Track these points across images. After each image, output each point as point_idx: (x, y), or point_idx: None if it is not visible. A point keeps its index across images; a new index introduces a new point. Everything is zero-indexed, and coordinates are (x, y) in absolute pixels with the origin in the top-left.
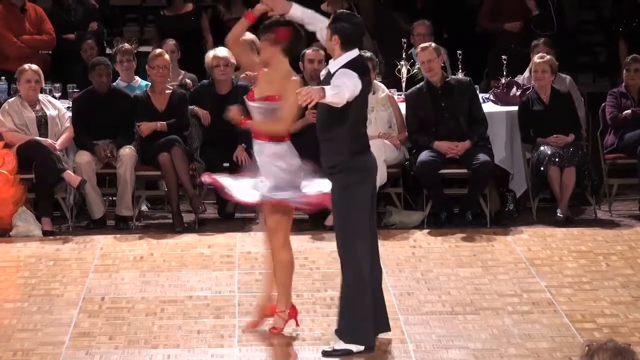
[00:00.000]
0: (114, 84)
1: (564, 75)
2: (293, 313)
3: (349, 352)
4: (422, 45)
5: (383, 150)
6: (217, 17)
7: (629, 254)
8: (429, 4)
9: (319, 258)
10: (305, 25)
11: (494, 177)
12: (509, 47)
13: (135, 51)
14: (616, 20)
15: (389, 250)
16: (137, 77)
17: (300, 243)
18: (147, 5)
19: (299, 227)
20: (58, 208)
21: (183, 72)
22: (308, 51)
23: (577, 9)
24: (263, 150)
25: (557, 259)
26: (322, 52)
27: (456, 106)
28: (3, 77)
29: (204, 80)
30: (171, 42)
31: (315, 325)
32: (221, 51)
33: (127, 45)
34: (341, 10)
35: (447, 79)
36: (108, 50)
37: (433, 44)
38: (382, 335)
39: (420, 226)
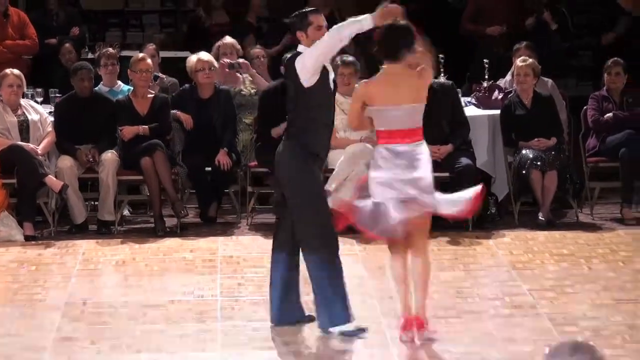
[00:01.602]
0: (96, 88)
1: (545, 79)
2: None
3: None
4: None
5: (366, 154)
6: (197, 22)
7: (610, 257)
8: (411, 8)
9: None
10: None
11: (476, 181)
12: (492, 51)
13: (118, 56)
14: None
15: (372, 254)
16: (119, 82)
17: None
18: (129, 10)
19: None
20: (40, 213)
21: (164, 76)
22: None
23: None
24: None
25: (539, 262)
26: None
27: (438, 110)
28: None
29: (186, 85)
30: (151, 47)
31: (298, 329)
32: (205, 55)
33: (111, 50)
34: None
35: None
36: (90, 55)
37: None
38: (363, 340)
39: None
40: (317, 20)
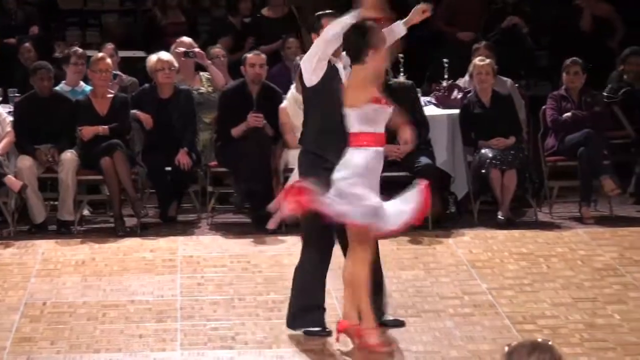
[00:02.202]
0: (58, 87)
1: (504, 78)
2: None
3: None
4: None
5: None
6: (153, 22)
7: (569, 256)
8: None
9: (261, 262)
10: None
11: (436, 180)
12: (453, 51)
13: (64, 55)
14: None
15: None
16: (81, 82)
17: (242, 246)
18: (87, 9)
19: (241, 230)
20: None
21: (124, 75)
22: (249, 55)
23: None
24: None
25: (498, 261)
26: (264, 56)
27: (398, 109)
28: None
29: (146, 85)
30: (110, 47)
31: (258, 328)
32: (165, 55)
33: (80, 50)
34: None
35: (390, 82)
36: (57, 54)
37: None
38: (324, 340)
39: None
40: (327, 24)
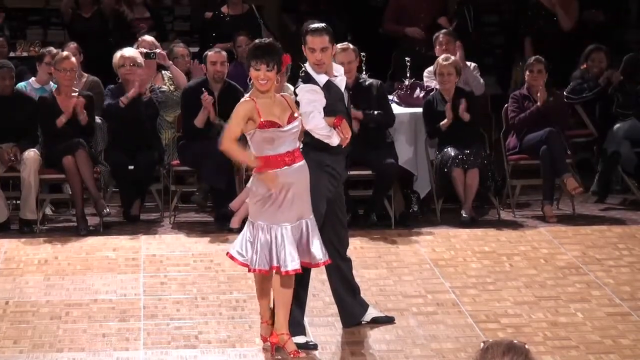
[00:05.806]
0: (24, 84)
1: (469, 63)
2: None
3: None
4: (342, 46)
5: None
6: (120, 17)
7: (531, 255)
8: (333, 5)
9: (224, 260)
10: None
11: (398, 179)
12: (414, 49)
13: (38, 54)
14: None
15: None
16: (51, 82)
17: (205, 245)
18: (50, 8)
19: (204, 229)
20: None
21: (86, 74)
22: (210, 53)
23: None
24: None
25: (461, 260)
26: (225, 54)
27: (365, 108)
28: None
29: (111, 86)
30: (73, 45)
31: (221, 327)
32: (128, 51)
33: (55, 50)
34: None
35: (360, 80)
36: (12, 53)
37: (351, 45)
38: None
39: None
40: (310, 42)
